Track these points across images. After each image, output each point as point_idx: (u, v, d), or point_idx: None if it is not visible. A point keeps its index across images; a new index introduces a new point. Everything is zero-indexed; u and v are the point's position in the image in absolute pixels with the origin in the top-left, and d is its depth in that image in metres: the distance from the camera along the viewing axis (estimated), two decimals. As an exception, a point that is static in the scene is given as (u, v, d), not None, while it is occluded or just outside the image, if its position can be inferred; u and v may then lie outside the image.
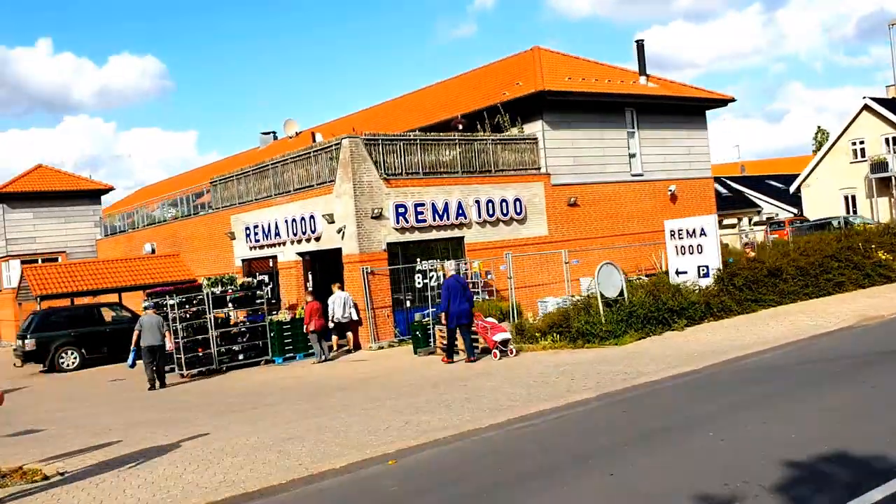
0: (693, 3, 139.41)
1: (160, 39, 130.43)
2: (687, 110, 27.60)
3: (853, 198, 46.03)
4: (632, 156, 26.06)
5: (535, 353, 12.30)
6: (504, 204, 22.47)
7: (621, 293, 12.37)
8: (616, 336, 11.71)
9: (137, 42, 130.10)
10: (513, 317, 14.37)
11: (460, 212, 21.42)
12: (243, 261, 24.37)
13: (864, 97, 45.12)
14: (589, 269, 22.89)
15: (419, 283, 20.36)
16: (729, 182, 59.93)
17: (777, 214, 56.03)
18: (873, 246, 15.91)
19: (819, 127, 72.50)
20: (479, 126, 23.70)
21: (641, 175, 26.13)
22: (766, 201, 58.57)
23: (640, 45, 27.62)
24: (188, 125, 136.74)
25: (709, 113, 29.02)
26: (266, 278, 21.66)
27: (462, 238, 21.65)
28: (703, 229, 13.50)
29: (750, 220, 55.30)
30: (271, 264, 23.00)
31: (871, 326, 10.86)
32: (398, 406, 9.33)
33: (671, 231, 14.07)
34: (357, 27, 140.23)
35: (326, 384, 13.22)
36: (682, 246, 13.85)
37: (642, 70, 27.45)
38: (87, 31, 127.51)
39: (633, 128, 26.08)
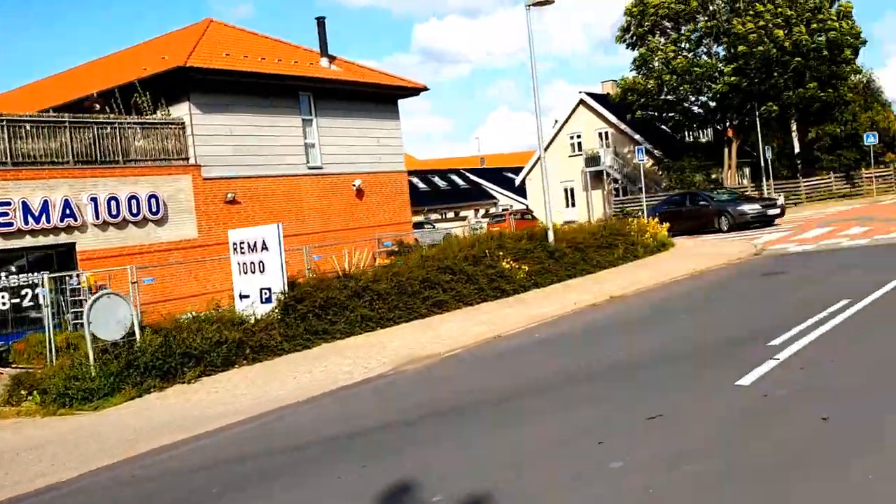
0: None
1: None
2: (376, 98, 25.34)
3: (572, 190, 47.20)
4: (309, 146, 23.27)
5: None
6: (134, 201, 18.71)
7: (132, 332, 9.32)
8: (105, 395, 8.62)
9: None
10: (49, 357, 10.88)
11: (68, 212, 17.37)
12: None
13: (580, 92, 46.28)
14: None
15: (3, 303, 16.15)
16: (468, 174, 60.11)
17: (512, 206, 56.78)
18: (500, 253, 14.32)
19: (556, 120, 75.08)
20: (114, 108, 19.72)
21: (321, 168, 23.44)
22: (503, 193, 59.30)
23: (321, 23, 24.95)
24: None
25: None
26: None
27: (73, 245, 17.62)
28: (264, 242, 10.83)
29: (486, 212, 55.60)
30: None
31: (407, 375, 8.64)
32: None
33: (234, 244, 11.27)
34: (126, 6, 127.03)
35: None
36: (245, 263, 11.11)
37: (324, 51, 24.78)
38: None
39: (311, 115, 23.29)
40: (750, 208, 24.15)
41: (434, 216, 51.32)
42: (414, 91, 26.90)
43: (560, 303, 12.37)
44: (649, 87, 36.68)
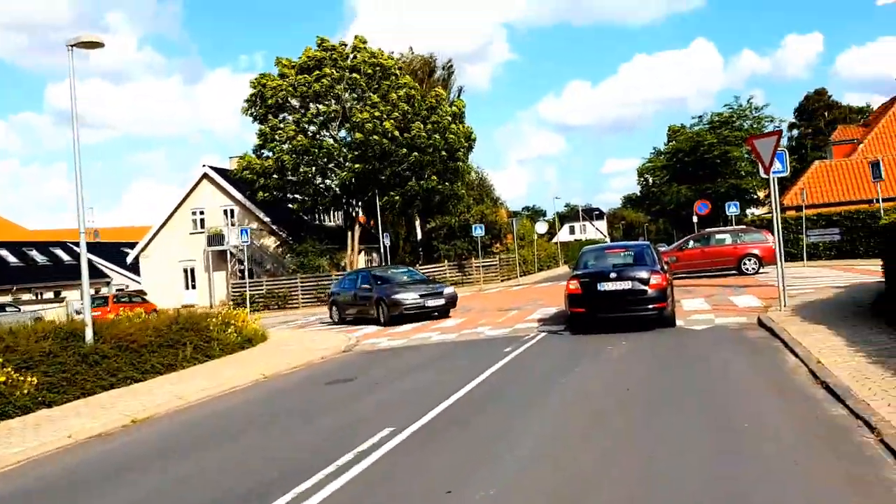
0: (112, 64, 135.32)
1: None
2: None
3: (193, 271, 43.33)
4: None
5: None
6: None
7: None
8: None
9: None
10: None
11: None
12: None
13: (204, 165, 43.23)
14: None
15: None
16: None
17: (127, 286, 50.88)
18: (0, 360, 10.66)
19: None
20: None
21: None
22: (117, 271, 53.13)
23: None
24: None
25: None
26: None
27: None
28: None
29: (97, 292, 48.93)
30: None
31: None
32: None
33: None
34: None
35: None
36: None
37: None
38: None
39: None
40: (407, 298, 20.06)
41: (26, 296, 43.58)
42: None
43: (56, 434, 9.05)
44: (267, 166, 35.02)
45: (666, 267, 14.88)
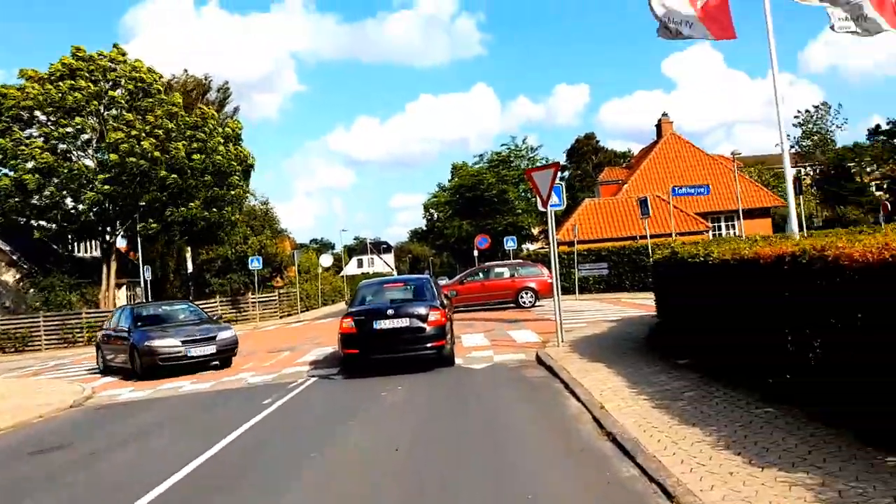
0: None
1: None
2: None
3: None
4: None
5: None
6: None
7: None
8: None
9: None
10: None
11: None
12: None
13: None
14: None
15: None
16: None
17: None
18: None
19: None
20: None
21: None
22: None
23: None
24: None
25: None
26: None
27: None
28: None
29: None
30: None
31: None
32: None
33: None
34: None
35: None
36: None
37: None
38: None
39: None
40: (164, 346, 15.53)
41: None
42: None
43: None
44: (3, 185, 30.40)
45: (446, 302, 14.05)
